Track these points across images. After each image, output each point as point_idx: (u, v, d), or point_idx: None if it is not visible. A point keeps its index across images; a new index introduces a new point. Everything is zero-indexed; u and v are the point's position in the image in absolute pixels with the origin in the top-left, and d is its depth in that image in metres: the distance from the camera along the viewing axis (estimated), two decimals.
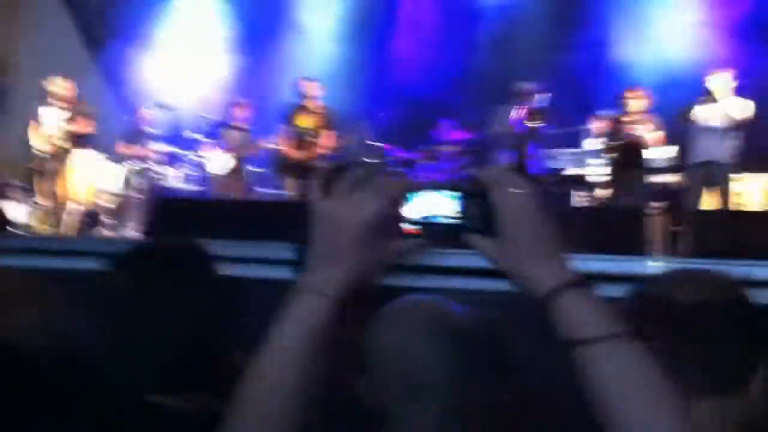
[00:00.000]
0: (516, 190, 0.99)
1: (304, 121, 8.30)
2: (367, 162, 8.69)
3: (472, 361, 1.41)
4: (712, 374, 1.22)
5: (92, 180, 8.76)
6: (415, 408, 1.40)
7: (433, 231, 1.03)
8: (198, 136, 9.35)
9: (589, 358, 0.92)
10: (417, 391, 1.40)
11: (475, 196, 1.02)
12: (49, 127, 8.42)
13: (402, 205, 1.04)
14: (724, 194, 7.01)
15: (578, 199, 8.34)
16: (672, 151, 8.03)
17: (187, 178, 9.34)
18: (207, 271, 1.65)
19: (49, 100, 8.48)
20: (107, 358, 1.32)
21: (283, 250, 3.70)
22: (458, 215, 1.03)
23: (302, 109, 8.37)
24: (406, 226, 1.04)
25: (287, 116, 8.43)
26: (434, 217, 1.03)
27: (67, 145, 8.39)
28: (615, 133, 7.51)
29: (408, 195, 1.04)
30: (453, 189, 1.04)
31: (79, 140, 8.52)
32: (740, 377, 1.23)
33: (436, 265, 2.70)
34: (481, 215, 1.01)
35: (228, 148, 8.95)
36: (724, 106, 6.97)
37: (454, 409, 1.40)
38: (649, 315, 1.28)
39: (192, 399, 1.51)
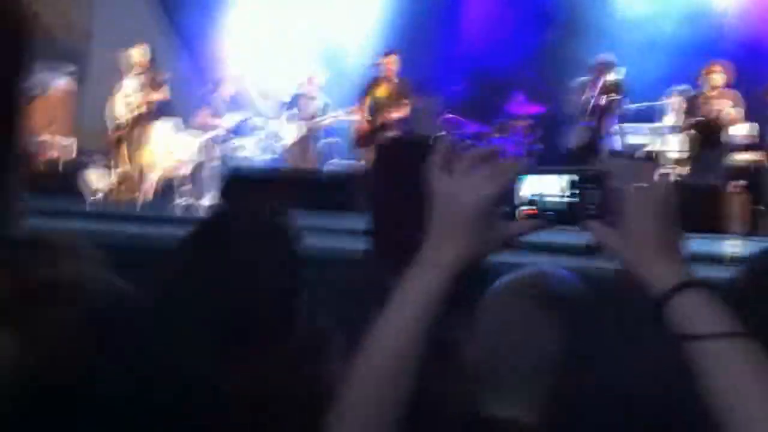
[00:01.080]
0: (645, 184, 1.00)
1: (382, 92, 8.32)
2: (453, 138, 8.66)
3: (583, 339, 1.38)
4: None
5: (171, 149, 8.95)
6: (523, 382, 1.38)
7: (548, 212, 1.04)
8: (274, 106, 9.45)
9: (708, 354, 0.93)
10: (528, 366, 1.37)
11: (592, 181, 1.02)
12: (126, 95, 8.64)
13: (517, 187, 1.05)
14: None
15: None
16: (752, 128, 7.76)
17: (263, 149, 9.45)
18: (287, 241, 1.66)
19: (127, 69, 8.71)
20: (176, 324, 1.35)
21: (355, 221, 3.72)
22: (575, 199, 1.03)
23: (379, 80, 8.39)
24: (522, 207, 1.05)
25: (365, 88, 8.47)
26: (551, 199, 1.04)
27: (143, 112, 8.59)
28: (694, 109, 7.29)
29: (522, 176, 1.06)
30: (571, 173, 1.04)
31: (156, 108, 8.72)
32: None
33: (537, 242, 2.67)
34: (598, 202, 1.01)
35: (302, 119, 9.02)
36: None
37: (559, 387, 1.37)
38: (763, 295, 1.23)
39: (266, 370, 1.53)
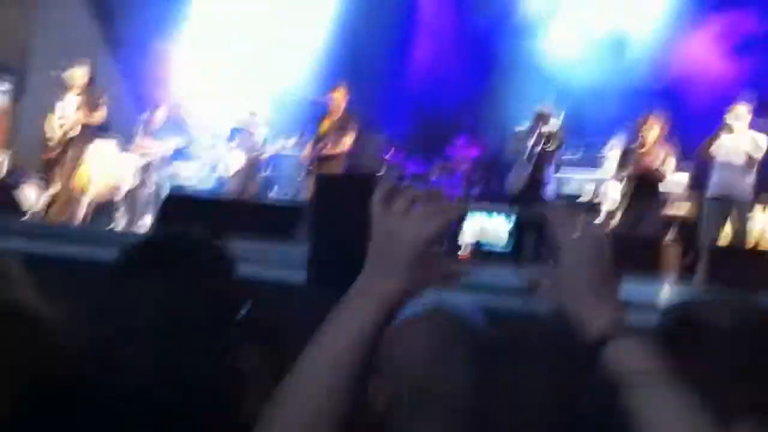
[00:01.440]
0: (581, 234, 1.04)
1: (324, 126, 8.35)
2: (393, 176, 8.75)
3: (486, 374, 1.41)
4: (751, 398, 1.21)
5: (107, 172, 8.79)
6: (425, 417, 1.39)
7: (485, 255, 1.10)
8: (216, 136, 9.39)
9: (641, 397, 0.98)
10: (429, 401, 1.38)
11: (532, 226, 1.06)
12: (62, 115, 8.45)
13: (458, 227, 1.10)
14: (742, 231, 6.96)
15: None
16: (683, 178, 8.00)
17: (202, 177, 9.36)
18: (220, 263, 1.64)
19: (66, 89, 8.53)
20: (112, 350, 1.31)
21: (294, 251, 3.70)
22: (511, 243, 1.07)
23: (326, 115, 8.44)
24: (460, 248, 1.11)
25: (311, 121, 8.49)
26: (487, 242, 1.10)
27: (78, 133, 8.39)
28: (629, 161, 7.47)
29: (464, 217, 1.08)
30: (511, 215, 1.08)
31: (92, 130, 8.53)
32: None
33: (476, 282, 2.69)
34: (536, 246, 1.06)
35: (243, 150, 8.98)
36: (744, 141, 6.93)
37: (464, 421, 1.39)
38: (688, 341, 1.28)
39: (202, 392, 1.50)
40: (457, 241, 0.93)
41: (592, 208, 8.40)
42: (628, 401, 0.99)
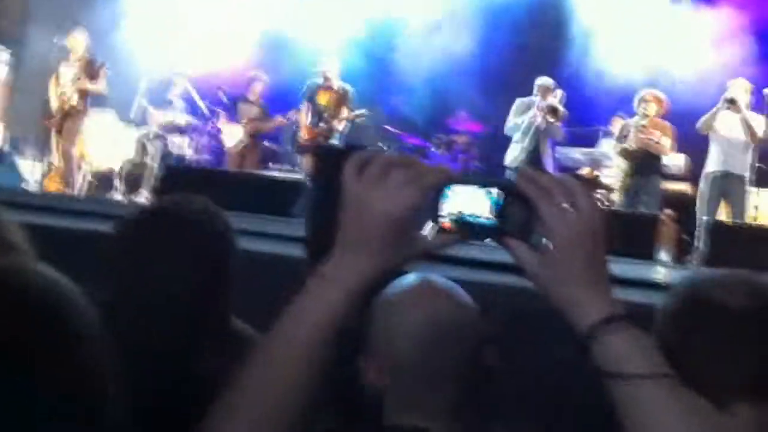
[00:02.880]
0: (573, 209, 0.91)
1: (322, 99, 8.30)
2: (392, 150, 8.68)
3: (479, 351, 1.42)
4: (759, 379, 1.19)
5: (108, 143, 8.77)
6: (419, 391, 1.39)
7: (467, 228, 0.96)
8: (215, 109, 9.34)
9: (629, 393, 0.90)
10: (423, 375, 1.39)
11: (517, 198, 0.93)
12: (60, 84, 8.32)
13: (435, 198, 0.97)
14: (740, 207, 6.96)
15: None
16: (680, 159, 7.99)
17: (201, 150, 9.34)
18: (223, 235, 1.65)
19: (64, 55, 8.41)
20: (111, 316, 1.31)
21: (291, 227, 3.70)
22: (496, 215, 0.95)
23: (321, 87, 8.37)
24: (440, 220, 0.98)
25: (306, 94, 8.43)
26: (470, 214, 0.96)
27: (76, 103, 8.25)
28: (627, 137, 7.45)
29: (443, 188, 0.97)
30: (495, 186, 0.96)
31: (92, 99, 8.43)
32: None
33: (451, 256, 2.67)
34: (523, 221, 0.94)
35: (244, 123, 8.94)
36: (745, 115, 6.91)
37: (454, 394, 1.40)
38: (698, 319, 1.24)
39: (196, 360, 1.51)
40: (438, 212, 0.89)
41: (592, 182, 8.40)
42: (619, 396, 0.91)
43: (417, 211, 0.94)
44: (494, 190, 0.96)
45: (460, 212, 0.97)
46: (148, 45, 9.93)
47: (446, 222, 0.97)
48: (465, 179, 0.97)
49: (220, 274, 1.62)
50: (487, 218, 0.95)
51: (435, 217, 0.97)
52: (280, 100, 9.09)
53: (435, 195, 0.97)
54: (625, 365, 0.90)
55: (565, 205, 0.91)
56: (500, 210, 0.95)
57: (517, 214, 0.94)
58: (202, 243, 1.60)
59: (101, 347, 0.86)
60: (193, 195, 1.70)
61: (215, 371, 1.40)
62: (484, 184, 0.96)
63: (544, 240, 0.92)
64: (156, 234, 1.59)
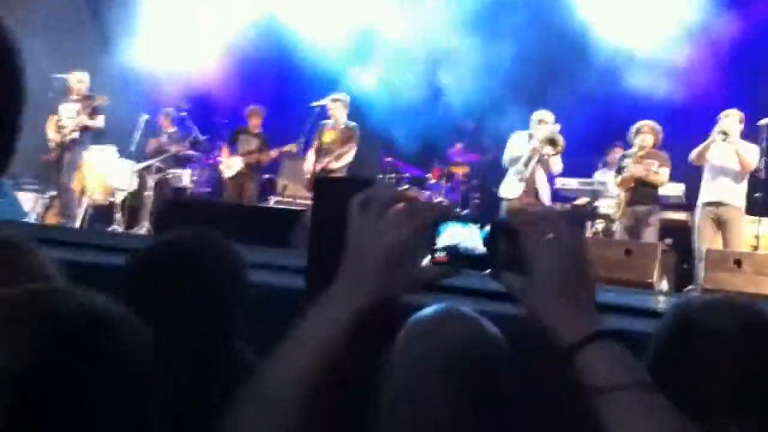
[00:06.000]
0: (552, 236, 0.99)
1: (327, 137, 8.40)
2: (391, 181, 8.76)
3: (483, 399, 1.41)
4: (743, 405, 1.22)
5: (107, 176, 8.82)
6: (439, 420, 1.38)
7: (459, 260, 1.04)
8: (215, 141, 9.43)
9: (614, 406, 0.94)
10: (442, 404, 1.39)
11: (505, 231, 1.03)
12: (60, 120, 8.54)
13: (432, 233, 1.05)
14: (736, 237, 6.99)
15: (588, 229, 8.36)
16: (679, 188, 8.04)
17: (200, 181, 9.39)
18: (234, 266, 1.67)
19: (64, 93, 8.62)
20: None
21: (291, 258, 3.71)
22: (486, 248, 1.04)
23: (326, 125, 8.48)
24: (434, 254, 1.05)
25: (313, 131, 8.56)
26: (462, 247, 1.04)
27: (76, 138, 8.50)
28: (624, 167, 7.52)
29: (439, 223, 1.05)
30: (485, 222, 1.05)
31: (91, 134, 8.63)
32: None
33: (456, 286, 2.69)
34: (510, 251, 1.02)
35: (243, 154, 9.01)
36: (737, 147, 6.97)
37: (471, 423, 1.39)
38: (685, 342, 1.28)
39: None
40: (435, 244, 0.92)
41: (590, 213, 8.45)
42: (603, 411, 0.95)
43: (415, 245, 1.02)
44: (485, 226, 1.05)
45: (454, 245, 1.04)
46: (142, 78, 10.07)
47: (441, 255, 1.04)
48: (458, 216, 1.06)
49: (229, 307, 1.64)
50: (479, 251, 1.04)
51: (431, 250, 1.05)
52: (281, 130, 9.15)
53: (431, 229, 1.05)
54: (606, 378, 0.95)
55: (549, 235, 0.99)
56: (490, 243, 1.04)
57: (505, 245, 1.03)
58: (213, 277, 1.62)
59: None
60: (206, 229, 1.73)
61: (219, 397, 1.42)
62: (475, 220, 1.05)
63: (530, 268, 1.00)
64: (169, 267, 1.62)
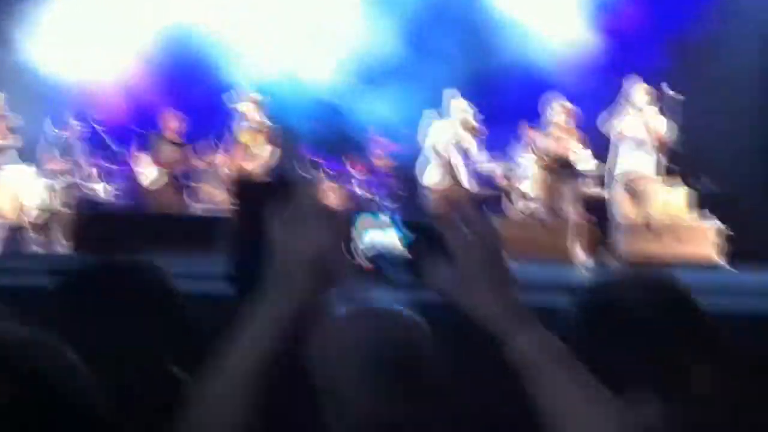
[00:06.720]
0: (472, 233, 1.05)
1: (246, 138, 8.33)
2: (308, 179, 8.74)
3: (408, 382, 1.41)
4: (660, 376, 1.26)
5: (19, 194, 8.54)
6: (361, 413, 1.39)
7: (382, 263, 1.09)
8: (122, 149, 9.23)
9: (540, 382, 1.01)
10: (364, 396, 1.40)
11: (426, 232, 1.08)
12: None
13: (354, 237, 1.10)
14: (647, 206, 7.21)
15: (511, 209, 8.50)
16: (593, 163, 8.25)
17: (117, 193, 9.17)
18: (163, 287, 1.65)
19: None
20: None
21: (216, 265, 3.68)
22: (408, 249, 1.08)
23: (243, 125, 8.42)
24: (357, 258, 1.10)
25: (229, 131, 8.48)
26: (384, 250, 1.09)
27: None
28: (541, 145, 7.66)
29: (360, 228, 1.11)
30: (402, 225, 1.09)
31: (2, 153, 8.36)
32: (685, 379, 1.28)
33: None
34: (431, 250, 1.06)
35: (161, 162, 8.82)
36: (647, 117, 7.19)
37: (398, 415, 1.39)
38: (599, 319, 1.32)
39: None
40: (351, 246, 0.93)
41: (508, 193, 8.58)
42: (533, 392, 1.01)
43: (333, 249, 1.08)
44: (403, 227, 1.10)
45: (373, 247, 1.09)
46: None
47: (362, 259, 1.10)
48: (374, 222, 1.11)
49: (162, 325, 1.62)
50: (399, 252, 1.09)
51: (350, 253, 1.10)
52: (198, 135, 9.02)
53: (349, 233, 1.10)
54: (533, 358, 1.01)
55: (465, 230, 1.05)
56: (410, 244, 1.09)
57: (424, 244, 1.07)
58: (146, 299, 1.60)
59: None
60: (134, 253, 1.71)
61: (155, 414, 1.41)
62: (392, 223, 1.10)
63: (454, 266, 1.05)
64: (100, 290, 1.59)
